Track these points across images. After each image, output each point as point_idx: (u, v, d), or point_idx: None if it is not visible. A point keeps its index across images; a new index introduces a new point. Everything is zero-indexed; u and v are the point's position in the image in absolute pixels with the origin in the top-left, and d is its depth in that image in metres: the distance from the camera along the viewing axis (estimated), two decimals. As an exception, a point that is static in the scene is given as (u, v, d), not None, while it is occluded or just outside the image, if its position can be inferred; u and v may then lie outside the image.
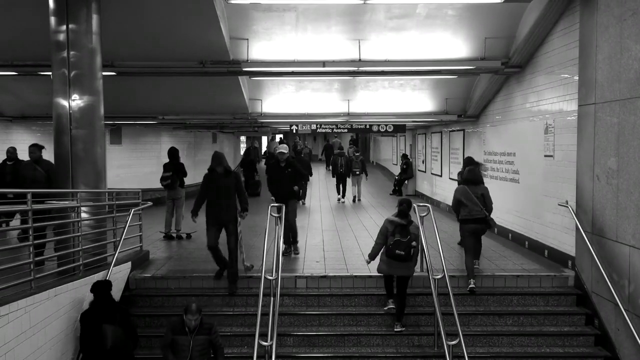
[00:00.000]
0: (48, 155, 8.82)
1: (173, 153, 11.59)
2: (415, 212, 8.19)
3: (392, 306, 7.57)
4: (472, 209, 8.32)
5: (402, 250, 7.17)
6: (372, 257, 7.66)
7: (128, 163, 18.80)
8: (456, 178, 12.80)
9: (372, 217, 14.26)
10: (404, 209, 7.37)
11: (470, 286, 7.93)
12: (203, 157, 23.94)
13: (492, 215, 8.46)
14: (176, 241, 11.12)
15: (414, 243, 7.25)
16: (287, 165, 9.51)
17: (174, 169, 11.43)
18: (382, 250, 7.47)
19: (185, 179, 11.76)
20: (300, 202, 18.29)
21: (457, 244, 10.16)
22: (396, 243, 7.20)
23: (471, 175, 8.62)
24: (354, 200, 18.53)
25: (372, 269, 8.52)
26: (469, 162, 9.32)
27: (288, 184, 9.47)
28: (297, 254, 9.66)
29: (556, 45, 8.83)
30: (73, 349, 6.55)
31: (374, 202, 18.23)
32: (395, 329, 7.49)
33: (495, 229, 8.97)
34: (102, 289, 6.21)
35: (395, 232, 7.25)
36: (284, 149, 9.64)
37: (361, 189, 18.98)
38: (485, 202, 8.44)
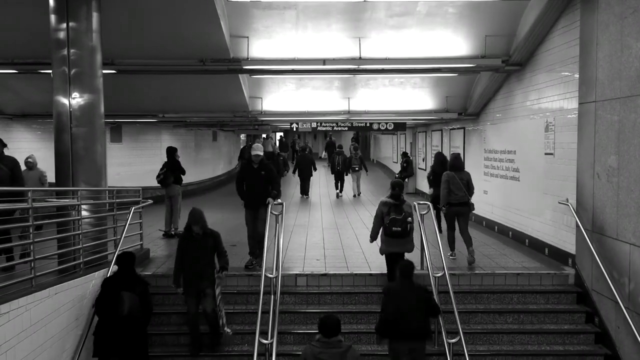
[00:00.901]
0: (48, 153, 8.80)
1: (169, 151, 11.62)
2: (416, 210, 8.24)
3: None
4: (457, 194, 8.84)
5: (399, 226, 7.53)
6: (373, 237, 7.97)
7: (128, 161, 18.79)
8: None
9: (372, 214, 14.22)
10: (397, 193, 7.67)
11: (452, 258, 8.80)
12: (204, 155, 23.98)
13: (493, 211, 8.56)
14: (176, 239, 11.09)
15: (409, 219, 7.59)
16: (260, 168, 8.53)
17: (168, 166, 11.41)
18: (380, 232, 7.78)
19: (183, 176, 11.70)
20: (303, 196, 18.87)
21: (440, 232, 9.78)
22: (392, 221, 7.56)
23: (458, 162, 9.18)
24: (354, 196, 18.84)
25: (372, 267, 8.55)
26: (439, 157, 9.23)
27: (260, 188, 8.47)
28: (259, 268, 7.79)
29: (557, 43, 8.82)
30: (74, 347, 6.56)
31: (374, 200, 18.22)
32: None
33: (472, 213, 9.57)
34: (125, 260, 6.59)
35: (390, 212, 7.60)
36: (259, 149, 8.65)
37: (360, 184, 19.32)
38: (469, 187, 9.00)
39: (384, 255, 7.96)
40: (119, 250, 7.44)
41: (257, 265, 8.40)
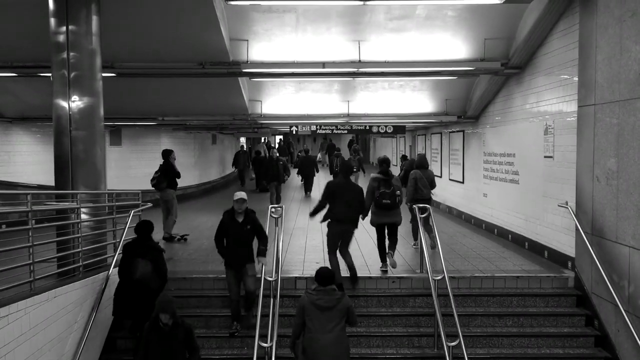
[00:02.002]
0: (48, 156, 8.80)
1: (163, 153, 11.45)
2: (416, 214, 8.25)
3: (385, 269, 8.45)
4: (423, 191, 9.85)
5: (388, 199, 8.24)
6: (366, 210, 8.50)
7: (128, 164, 18.78)
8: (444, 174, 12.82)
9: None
10: (385, 169, 8.50)
11: (415, 247, 9.66)
12: (203, 158, 23.97)
13: (492, 214, 8.65)
14: (177, 243, 11.08)
15: (397, 192, 8.33)
16: (245, 221, 7.26)
17: (162, 169, 11.33)
18: (372, 205, 8.43)
19: (178, 179, 11.42)
20: (307, 193, 19.80)
21: (410, 222, 10.54)
22: (382, 194, 8.26)
23: (424, 162, 10.25)
24: None
25: (372, 270, 8.55)
26: (384, 160, 8.94)
27: (245, 244, 7.27)
28: (249, 326, 7.43)
29: (556, 46, 8.84)
30: (73, 351, 6.55)
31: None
32: (387, 251, 8.51)
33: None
34: (143, 228, 7.13)
35: (380, 186, 8.32)
36: (242, 195, 7.30)
37: (358, 184, 19.47)
38: (432, 184, 10.10)
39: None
40: (92, 282, 7.17)
41: (239, 327, 7.47)
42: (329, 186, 8.16)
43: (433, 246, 9.29)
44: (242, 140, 35.26)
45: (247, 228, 7.27)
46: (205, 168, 23.95)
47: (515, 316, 7.73)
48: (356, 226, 8.29)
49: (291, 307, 7.93)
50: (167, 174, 11.21)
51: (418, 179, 9.78)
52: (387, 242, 8.61)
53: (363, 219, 8.44)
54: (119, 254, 7.75)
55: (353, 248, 10.24)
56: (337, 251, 8.12)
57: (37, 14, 7.72)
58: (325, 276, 6.04)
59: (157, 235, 11.32)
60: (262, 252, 7.33)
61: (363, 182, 20.85)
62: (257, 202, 15.88)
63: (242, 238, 7.27)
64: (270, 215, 8.23)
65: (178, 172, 11.40)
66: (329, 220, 8.17)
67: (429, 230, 9.27)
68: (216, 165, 26.15)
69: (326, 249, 9.54)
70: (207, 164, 24.44)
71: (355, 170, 19.04)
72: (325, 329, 5.86)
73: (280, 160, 15.73)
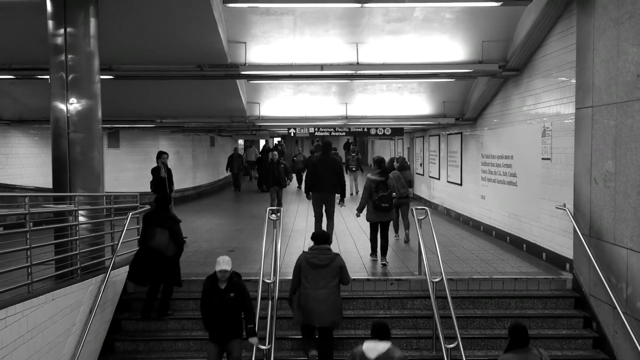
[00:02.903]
0: (45, 158, 8.80)
1: (157, 156, 11.41)
2: (414, 216, 8.26)
3: (375, 259, 9.18)
4: (401, 190, 10.73)
5: (386, 202, 8.82)
6: (360, 210, 9.34)
7: (126, 167, 18.78)
8: (447, 179, 12.88)
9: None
10: (385, 169, 9.26)
11: (396, 238, 10.52)
12: (201, 160, 23.96)
13: (491, 217, 8.80)
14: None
15: (394, 194, 9.06)
16: (228, 288, 6.22)
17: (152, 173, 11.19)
18: (369, 205, 9.06)
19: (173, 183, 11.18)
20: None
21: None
22: (381, 198, 8.80)
23: (404, 164, 11.26)
24: (351, 194, 19.89)
25: (370, 273, 8.54)
26: (382, 160, 9.51)
27: (229, 317, 6.22)
28: None
29: (553, 48, 8.86)
30: (71, 353, 6.54)
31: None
32: (382, 263, 8.98)
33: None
34: (161, 201, 7.94)
35: (378, 189, 8.86)
36: (225, 264, 6.16)
37: (358, 183, 20.86)
38: (410, 184, 11.22)
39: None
40: (91, 285, 7.15)
41: None
42: (310, 160, 8.98)
43: (406, 240, 10.79)
44: (241, 142, 35.02)
45: (230, 296, 6.19)
46: (203, 170, 23.95)
47: (513, 318, 7.69)
48: (336, 193, 9.87)
49: (289, 309, 7.92)
50: (152, 177, 11.08)
51: (396, 180, 10.49)
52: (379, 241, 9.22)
53: (358, 215, 9.41)
54: (120, 253, 7.77)
55: (351, 249, 10.27)
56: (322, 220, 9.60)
57: (35, 16, 7.72)
58: (319, 236, 6.95)
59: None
60: (251, 332, 6.26)
61: (361, 180, 20.98)
62: (258, 203, 15.90)
63: (224, 308, 6.17)
64: (269, 217, 8.23)
65: (163, 177, 10.93)
66: (312, 191, 9.87)
67: (406, 224, 10.70)
68: (214, 167, 26.14)
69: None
70: (205, 166, 24.44)
71: (354, 169, 21.06)
72: (319, 285, 6.54)
73: (281, 163, 15.14)
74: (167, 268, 7.53)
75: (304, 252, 6.87)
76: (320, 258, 6.66)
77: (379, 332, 5.25)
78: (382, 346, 5.15)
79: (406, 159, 16.16)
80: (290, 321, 7.72)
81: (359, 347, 5.23)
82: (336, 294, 6.65)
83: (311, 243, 7.00)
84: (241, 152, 27.71)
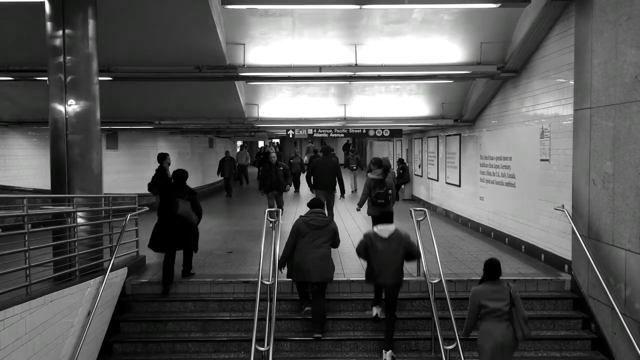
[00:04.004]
0: (44, 160, 8.80)
1: (158, 157, 11.28)
2: (412, 217, 8.27)
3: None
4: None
5: (383, 198, 9.53)
6: (360, 205, 10.07)
7: (124, 168, 18.76)
8: (435, 178, 12.86)
9: (368, 221, 14.23)
10: (386, 168, 9.97)
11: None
12: (200, 161, 23.95)
13: (489, 218, 8.81)
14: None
15: (390, 191, 9.64)
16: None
17: (155, 175, 11.21)
18: (367, 200, 9.80)
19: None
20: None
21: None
22: (377, 195, 9.55)
23: (388, 164, 11.17)
24: (352, 191, 21.69)
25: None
26: (380, 161, 10.34)
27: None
28: None
29: (552, 49, 8.87)
30: (70, 355, 6.53)
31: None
32: None
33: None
34: (179, 175, 8.66)
35: (376, 186, 9.62)
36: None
37: (357, 181, 22.39)
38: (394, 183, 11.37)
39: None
40: (90, 285, 7.17)
41: None
42: (312, 161, 9.45)
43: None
44: (239, 143, 34.91)
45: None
46: (202, 171, 23.93)
47: (512, 319, 7.72)
48: (335, 191, 11.59)
49: (288, 310, 7.93)
50: (158, 179, 11.12)
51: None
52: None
53: (358, 209, 10.19)
54: (118, 254, 7.76)
55: (349, 251, 10.27)
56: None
57: (34, 17, 7.71)
58: (315, 202, 7.94)
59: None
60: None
61: (360, 178, 21.09)
62: (256, 204, 15.87)
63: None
64: (267, 219, 8.24)
65: (169, 179, 10.71)
66: (315, 188, 11.45)
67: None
68: (213, 169, 26.12)
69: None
70: (204, 168, 24.43)
71: (354, 168, 23.03)
72: (314, 244, 7.37)
73: (280, 165, 13.15)
74: (191, 233, 8.42)
75: (301, 216, 7.75)
76: (318, 220, 7.58)
77: (387, 218, 7.44)
78: (392, 227, 7.18)
79: (390, 160, 17.64)
80: (289, 322, 7.74)
81: (372, 230, 7.38)
82: (329, 254, 7.55)
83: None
84: (234, 155, 26.49)
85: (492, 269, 6.01)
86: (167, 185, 10.79)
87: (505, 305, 5.82)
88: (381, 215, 7.68)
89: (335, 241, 7.70)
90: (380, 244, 7.08)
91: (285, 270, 7.62)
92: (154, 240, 8.32)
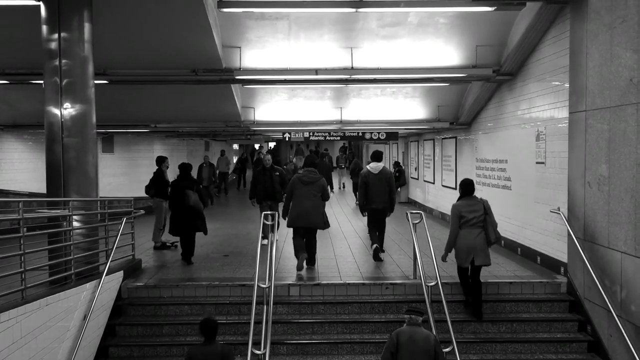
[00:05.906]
0: (39, 163, 8.78)
1: (156, 160, 11.30)
2: (408, 220, 8.28)
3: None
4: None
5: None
6: (362, 210, 10.10)
7: (120, 171, 18.74)
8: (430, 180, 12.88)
9: (364, 224, 14.23)
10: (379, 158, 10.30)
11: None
12: (195, 164, 23.91)
13: None
14: (169, 251, 10.99)
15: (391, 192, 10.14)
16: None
17: (153, 176, 11.26)
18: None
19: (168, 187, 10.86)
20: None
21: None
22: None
23: (358, 166, 12.34)
24: (339, 188, 24.47)
25: (365, 277, 8.54)
26: (377, 156, 10.04)
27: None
28: None
29: (547, 52, 8.90)
30: (65, 359, 6.51)
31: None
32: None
33: None
34: (185, 168, 10.01)
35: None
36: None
37: (343, 179, 25.47)
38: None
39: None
40: (85, 289, 7.15)
41: None
42: (309, 158, 9.91)
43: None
44: (236, 147, 34.81)
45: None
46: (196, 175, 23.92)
47: (508, 322, 7.74)
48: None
49: (284, 314, 7.92)
50: (155, 181, 11.11)
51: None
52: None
53: (331, 189, 11.09)
54: (114, 258, 7.74)
55: (346, 254, 10.28)
56: None
57: (29, 21, 7.70)
58: (308, 162, 9.28)
59: (149, 243, 11.32)
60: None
61: (347, 176, 21.23)
62: (253, 208, 15.78)
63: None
64: (264, 222, 8.23)
65: (167, 181, 10.96)
66: None
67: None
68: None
69: (319, 255, 9.60)
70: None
71: (342, 166, 26.03)
72: (307, 197, 8.72)
73: (275, 170, 11.15)
74: (198, 218, 9.70)
75: (297, 174, 9.12)
76: (310, 177, 8.89)
77: (378, 157, 9.69)
78: (381, 164, 9.61)
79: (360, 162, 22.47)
80: (286, 326, 7.73)
81: (366, 168, 9.65)
82: (319, 204, 8.85)
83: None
84: (215, 161, 23.50)
85: (466, 186, 7.73)
86: (165, 186, 10.88)
87: (480, 215, 7.54)
88: (374, 154, 9.92)
89: (325, 194, 8.97)
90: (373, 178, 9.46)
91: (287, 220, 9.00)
92: (172, 227, 9.81)
